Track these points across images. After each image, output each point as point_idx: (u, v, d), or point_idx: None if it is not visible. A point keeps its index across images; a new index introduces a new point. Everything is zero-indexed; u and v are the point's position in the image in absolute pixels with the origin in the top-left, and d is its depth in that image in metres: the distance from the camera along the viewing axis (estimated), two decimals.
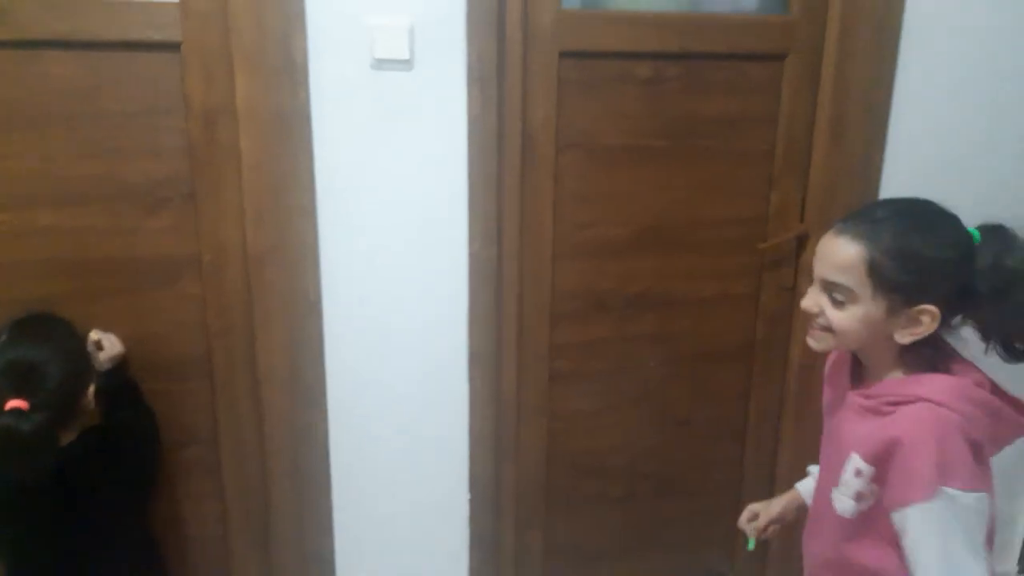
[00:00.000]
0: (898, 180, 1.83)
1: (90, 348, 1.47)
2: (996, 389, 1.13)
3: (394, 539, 1.80)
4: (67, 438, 1.39)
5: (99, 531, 1.42)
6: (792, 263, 1.93)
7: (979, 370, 1.14)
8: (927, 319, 1.08)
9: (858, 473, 1.12)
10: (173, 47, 1.46)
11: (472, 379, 1.74)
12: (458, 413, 1.75)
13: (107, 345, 1.48)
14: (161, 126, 1.49)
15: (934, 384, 1.10)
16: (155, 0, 1.43)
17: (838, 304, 1.12)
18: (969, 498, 1.04)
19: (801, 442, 2.01)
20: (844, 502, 1.15)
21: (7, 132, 1.43)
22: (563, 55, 1.66)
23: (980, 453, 1.07)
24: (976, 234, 1.10)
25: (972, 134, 1.85)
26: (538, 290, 1.78)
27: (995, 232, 1.11)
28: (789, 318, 1.97)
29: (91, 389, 1.41)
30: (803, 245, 1.91)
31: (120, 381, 1.52)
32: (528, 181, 1.70)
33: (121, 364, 1.52)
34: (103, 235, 1.51)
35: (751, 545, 1.43)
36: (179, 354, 1.61)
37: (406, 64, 1.53)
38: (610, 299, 1.84)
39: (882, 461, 1.09)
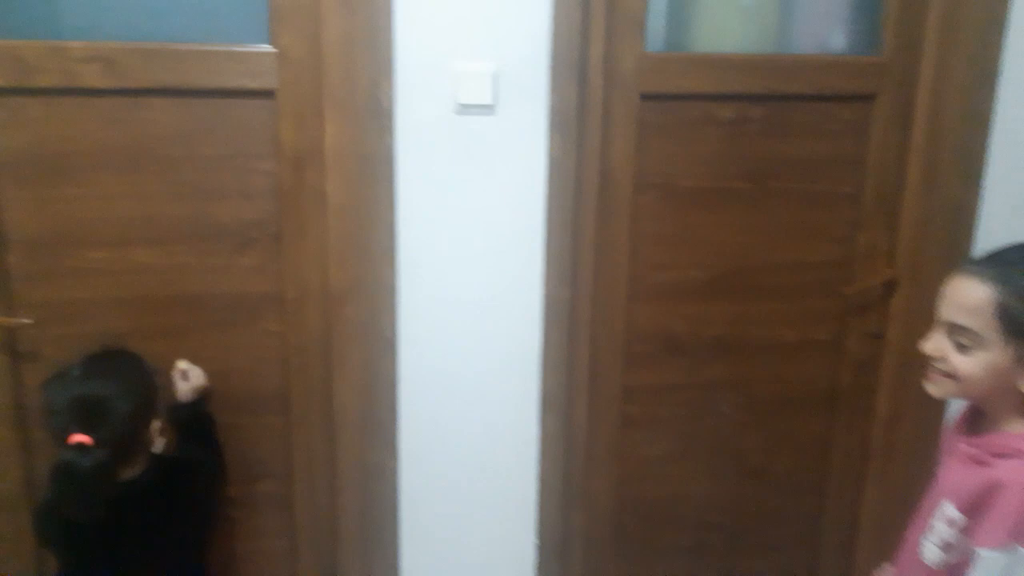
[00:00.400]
0: (995, 223, 1.76)
1: (175, 376, 1.53)
2: None
3: None
4: (127, 473, 1.39)
5: (151, 565, 1.43)
6: (881, 309, 1.87)
7: None
8: None
9: (950, 522, 1.10)
10: (268, 94, 1.52)
11: (543, 423, 1.74)
12: (528, 457, 1.75)
13: (192, 376, 1.54)
14: (252, 169, 1.55)
15: None
16: (252, 51, 1.51)
17: (963, 349, 1.08)
18: None
19: (885, 498, 1.93)
20: (932, 550, 1.12)
21: (108, 174, 1.51)
22: (644, 97, 1.66)
23: None
24: None
25: None
26: (612, 332, 1.77)
27: None
28: (877, 366, 1.90)
29: (155, 425, 1.43)
30: (892, 291, 1.85)
31: (198, 413, 1.56)
32: (605, 223, 1.70)
33: (203, 397, 1.57)
34: (193, 273, 1.58)
35: None
36: (258, 389, 1.66)
37: (489, 109, 1.56)
38: (686, 343, 1.82)
39: (976, 509, 1.07)
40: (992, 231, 1.76)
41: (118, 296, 1.56)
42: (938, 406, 1.85)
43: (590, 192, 1.67)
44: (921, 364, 1.17)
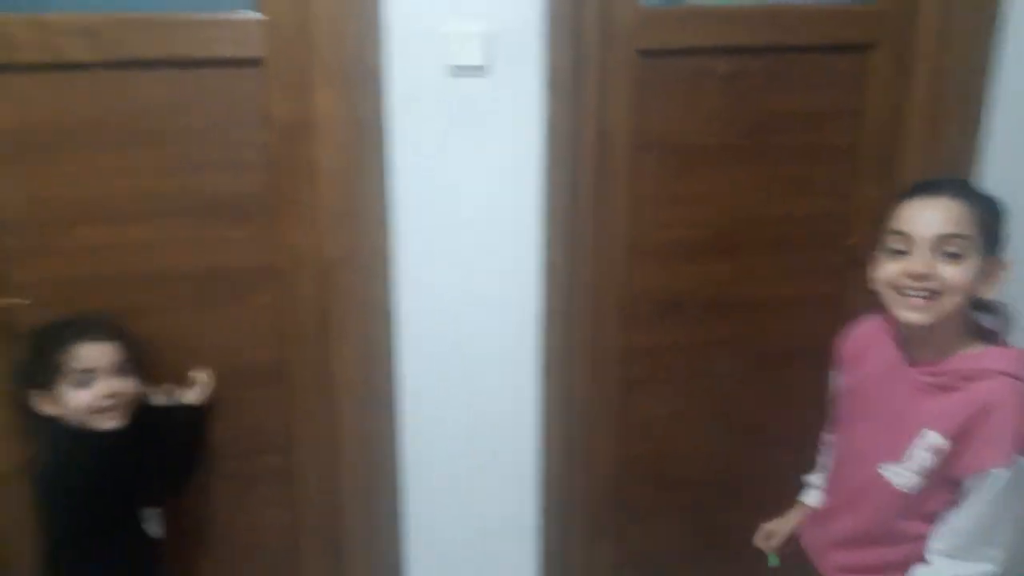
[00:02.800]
0: (995, 172, 1.82)
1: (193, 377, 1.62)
2: None
3: (465, 547, 1.89)
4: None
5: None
6: None
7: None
8: (1003, 272, 1.24)
9: (934, 450, 1.22)
10: (256, 63, 1.54)
11: (544, 385, 1.81)
12: (529, 419, 1.82)
13: (201, 383, 1.63)
14: (242, 140, 1.59)
15: (1006, 358, 1.21)
16: (239, 18, 1.52)
17: (953, 259, 1.20)
18: None
19: None
20: (908, 478, 1.26)
21: (97, 150, 1.54)
22: (641, 53, 1.69)
23: None
24: None
25: None
26: (611, 294, 1.83)
27: None
28: None
29: (33, 392, 1.48)
30: None
31: (191, 420, 1.63)
32: (603, 183, 1.74)
33: (201, 405, 1.64)
34: (187, 247, 1.62)
35: (774, 561, 1.57)
36: (256, 362, 1.71)
37: (481, 70, 1.59)
38: (686, 302, 1.87)
39: (964, 433, 1.20)
40: (993, 181, 1.82)
41: (113, 273, 1.60)
42: None
43: (588, 152, 1.71)
44: (896, 297, 1.25)
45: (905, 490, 1.26)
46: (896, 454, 1.27)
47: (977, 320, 1.30)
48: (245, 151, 1.59)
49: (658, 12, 1.70)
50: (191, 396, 1.63)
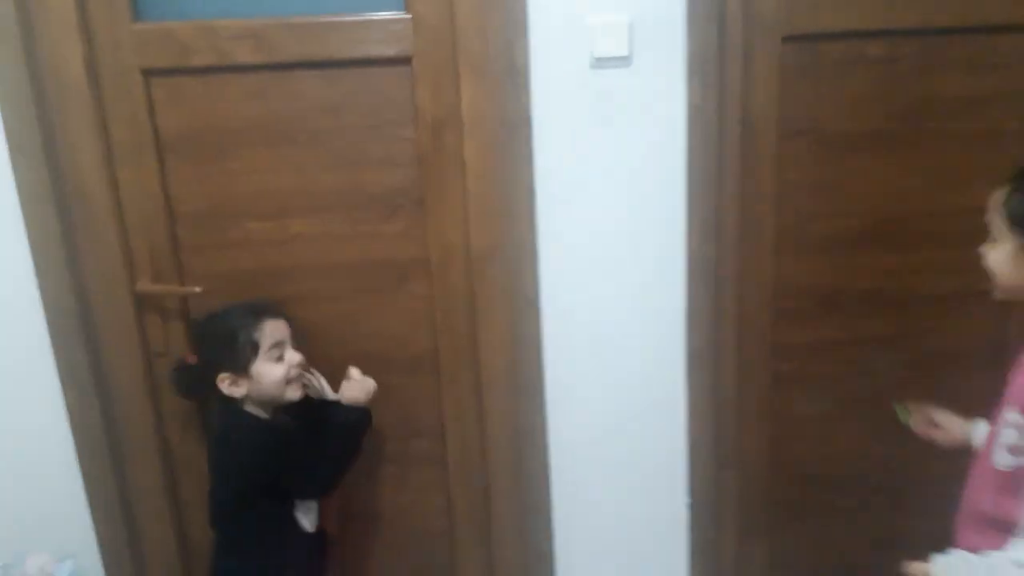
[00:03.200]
0: None
1: (351, 373, 1.69)
2: None
3: (614, 539, 1.89)
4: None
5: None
6: None
7: None
8: None
9: (1017, 426, 1.25)
10: (405, 61, 1.62)
11: (690, 380, 1.79)
12: (677, 415, 1.81)
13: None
14: (394, 136, 1.67)
15: None
16: (388, 18, 1.61)
17: (992, 244, 1.31)
18: None
19: None
20: (1002, 455, 1.28)
21: (263, 148, 1.66)
22: (786, 39, 1.66)
23: None
24: None
25: None
26: (760, 288, 1.79)
27: None
28: None
29: (222, 375, 1.56)
30: None
31: (345, 421, 1.66)
32: (749, 173, 1.72)
33: (361, 408, 1.67)
34: (346, 240, 1.71)
35: (904, 417, 1.60)
36: (409, 350, 1.78)
37: (625, 60, 1.60)
38: (839, 296, 1.81)
39: None
40: None
41: (277, 264, 1.71)
42: None
43: (732, 141, 1.69)
44: None
45: (1003, 469, 1.27)
46: (995, 432, 1.31)
47: None
48: (397, 148, 1.67)
49: None
50: (346, 393, 1.68)
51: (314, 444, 1.63)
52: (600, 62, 1.61)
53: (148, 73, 1.61)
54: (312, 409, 1.67)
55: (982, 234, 1.78)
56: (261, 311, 1.59)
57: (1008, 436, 1.26)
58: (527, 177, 1.66)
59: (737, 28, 1.64)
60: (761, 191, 1.73)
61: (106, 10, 1.57)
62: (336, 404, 1.68)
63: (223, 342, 1.57)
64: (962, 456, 1.90)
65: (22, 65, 1.54)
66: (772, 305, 1.80)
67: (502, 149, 1.65)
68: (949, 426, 1.57)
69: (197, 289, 1.67)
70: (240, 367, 1.56)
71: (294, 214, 1.69)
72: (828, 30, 1.68)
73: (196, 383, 1.64)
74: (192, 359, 1.64)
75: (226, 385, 1.57)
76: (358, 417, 1.67)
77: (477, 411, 1.82)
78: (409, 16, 1.61)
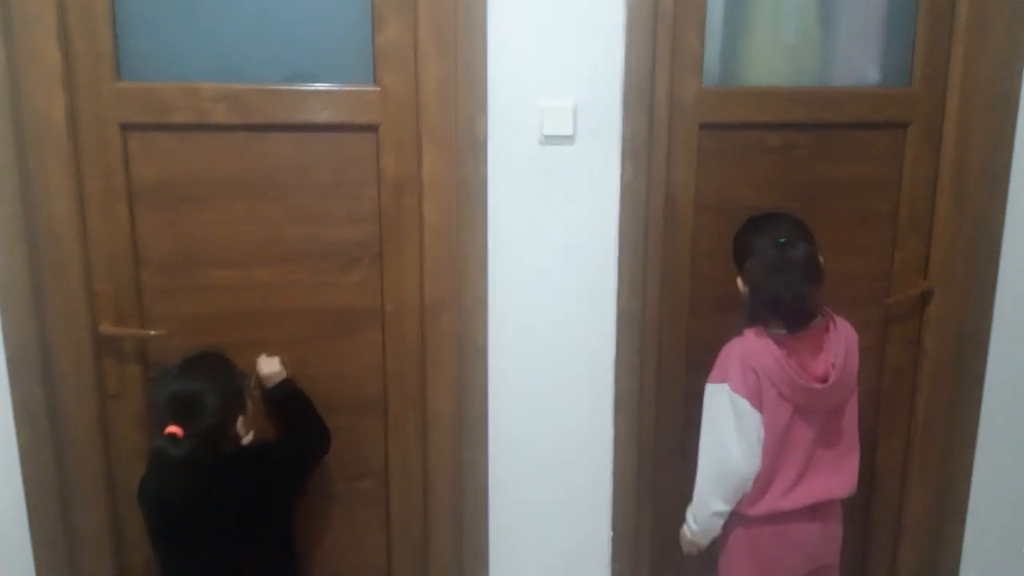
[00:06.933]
0: (1021, 235, 2.14)
1: (259, 364, 1.85)
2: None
3: (545, 571, 2.12)
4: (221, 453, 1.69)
5: (239, 547, 1.72)
6: (916, 317, 2.22)
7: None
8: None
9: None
10: (372, 128, 1.84)
11: (616, 424, 2.06)
12: (604, 456, 2.07)
13: (266, 365, 1.86)
14: (358, 195, 1.87)
15: None
16: (359, 89, 1.84)
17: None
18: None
19: (928, 494, 2.26)
20: None
21: (232, 200, 1.83)
22: (703, 126, 2.00)
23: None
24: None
25: None
26: (676, 340, 2.09)
27: None
28: (913, 371, 2.24)
29: (240, 419, 1.73)
30: (928, 300, 2.20)
31: (289, 391, 1.86)
32: (670, 241, 2.03)
33: (288, 379, 1.87)
34: (306, 289, 1.89)
35: None
36: (361, 393, 1.97)
37: (570, 139, 1.89)
38: None
39: None
40: (1018, 243, 2.14)
41: (239, 310, 1.87)
42: (972, 409, 2.20)
43: (656, 213, 2.00)
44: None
45: None
46: None
47: None
48: (359, 206, 1.88)
49: (718, 91, 2.02)
50: (266, 374, 1.85)
51: (290, 426, 1.86)
52: (548, 139, 1.89)
53: (126, 127, 1.75)
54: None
55: (861, 299, 2.19)
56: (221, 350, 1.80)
57: None
58: (482, 236, 1.90)
59: (663, 116, 1.96)
60: (679, 257, 2.05)
61: (91, 66, 1.71)
62: (270, 392, 1.86)
63: (234, 383, 1.74)
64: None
65: (6, 110, 1.65)
66: (686, 356, 2.11)
67: (458, 210, 1.88)
68: None
69: (158, 332, 1.81)
70: (244, 408, 1.75)
71: (259, 263, 1.86)
72: (737, 121, 2.03)
73: (218, 439, 1.68)
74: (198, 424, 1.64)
75: (240, 424, 1.73)
76: (285, 386, 1.86)
77: (421, 451, 2.01)
78: (378, 89, 1.84)
